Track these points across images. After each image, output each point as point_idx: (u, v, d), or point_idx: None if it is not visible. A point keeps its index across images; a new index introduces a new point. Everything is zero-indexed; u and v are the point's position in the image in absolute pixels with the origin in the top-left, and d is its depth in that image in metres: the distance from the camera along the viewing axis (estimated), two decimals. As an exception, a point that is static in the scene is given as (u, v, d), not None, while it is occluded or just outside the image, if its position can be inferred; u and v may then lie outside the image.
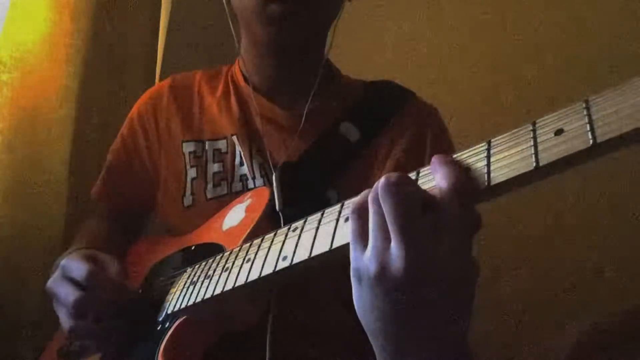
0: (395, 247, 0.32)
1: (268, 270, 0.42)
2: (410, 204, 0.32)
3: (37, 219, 0.81)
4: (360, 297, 0.34)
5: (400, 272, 0.31)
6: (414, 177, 0.36)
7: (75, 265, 0.55)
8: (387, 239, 0.32)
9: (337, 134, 0.64)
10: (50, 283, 0.57)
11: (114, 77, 0.87)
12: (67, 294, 0.54)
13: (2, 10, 0.76)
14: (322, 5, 0.61)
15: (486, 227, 0.34)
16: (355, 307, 0.35)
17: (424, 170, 0.35)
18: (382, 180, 0.33)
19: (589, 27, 1.08)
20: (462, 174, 0.32)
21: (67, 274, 0.55)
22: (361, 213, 0.34)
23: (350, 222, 0.35)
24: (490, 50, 1.14)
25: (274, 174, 0.58)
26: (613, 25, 1.06)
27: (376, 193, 0.33)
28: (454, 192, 0.32)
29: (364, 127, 0.64)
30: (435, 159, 0.34)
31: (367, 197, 0.34)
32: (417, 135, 0.65)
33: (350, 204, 0.38)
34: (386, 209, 0.32)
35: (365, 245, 0.34)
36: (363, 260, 0.33)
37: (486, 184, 0.31)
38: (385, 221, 0.32)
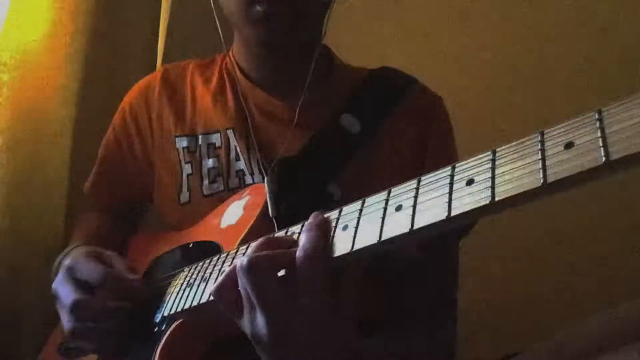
0: (258, 316, 0.38)
1: None
2: (265, 281, 0.37)
3: (37, 218, 0.81)
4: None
5: (265, 337, 0.38)
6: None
7: (84, 266, 0.55)
8: (254, 309, 0.38)
9: (338, 126, 0.62)
10: (55, 284, 0.56)
11: (114, 77, 0.87)
12: (67, 295, 0.53)
13: (3, 10, 0.75)
14: (310, 2, 0.60)
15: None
16: None
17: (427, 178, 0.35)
18: (238, 264, 0.38)
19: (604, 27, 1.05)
20: (320, 242, 0.37)
21: (75, 275, 0.55)
22: (226, 292, 0.40)
23: (221, 300, 0.40)
24: (494, 48, 1.11)
25: (265, 178, 0.56)
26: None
27: (236, 269, 0.38)
28: (306, 261, 0.36)
29: (365, 118, 0.62)
30: (310, 219, 0.39)
31: (227, 279, 0.40)
32: (420, 130, 0.63)
33: (347, 213, 0.38)
34: (246, 287, 0.37)
35: (242, 315, 0.39)
36: (244, 328, 0.40)
37: (490, 199, 0.30)
38: (248, 293, 0.38)
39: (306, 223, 0.39)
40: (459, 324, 0.62)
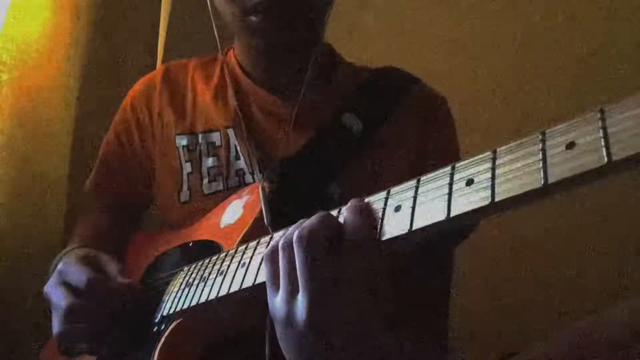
0: (300, 297, 0.35)
1: (263, 277, 0.40)
2: (319, 257, 0.34)
3: (37, 218, 0.81)
4: (278, 336, 0.37)
5: (303, 322, 0.34)
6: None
7: (73, 270, 0.55)
8: (294, 287, 0.35)
9: (339, 125, 0.61)
10: (46, 287, 0.56)
11: (114, 77, 0.87)
12: (59, 298, 0.53)
13: (2, 10, 0.75)
14: (306, 8, 0.59)
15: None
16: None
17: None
18: (297, 231, 0.35)
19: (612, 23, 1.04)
20: (368, 227, 0.34)
21: (64, 278, 0.55)
22: (275, 258, 0.37)
23: (264, 266, 0.37)
24: (494, 44, 1.11)
25: (260, 183, 0.56)
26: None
27: (289, 240, 0.35)
28: (356, 246, 0.34)
29: (366, 117, 0.62)
30: (351, 204, 0.36)
31: (274, 250, 0.37)
32: (422, 130, 0.62)
33: (345, 209, 0.38)
34: (298, 259, 0.35)
35: (277, 290, 0.36)
36: (275, 305, 0.36)
37: (490, 200, 0.29)
38: (294, 269, 0.35)
39: (349, 206, 0.36)
40: (459, 323, 0.62)
